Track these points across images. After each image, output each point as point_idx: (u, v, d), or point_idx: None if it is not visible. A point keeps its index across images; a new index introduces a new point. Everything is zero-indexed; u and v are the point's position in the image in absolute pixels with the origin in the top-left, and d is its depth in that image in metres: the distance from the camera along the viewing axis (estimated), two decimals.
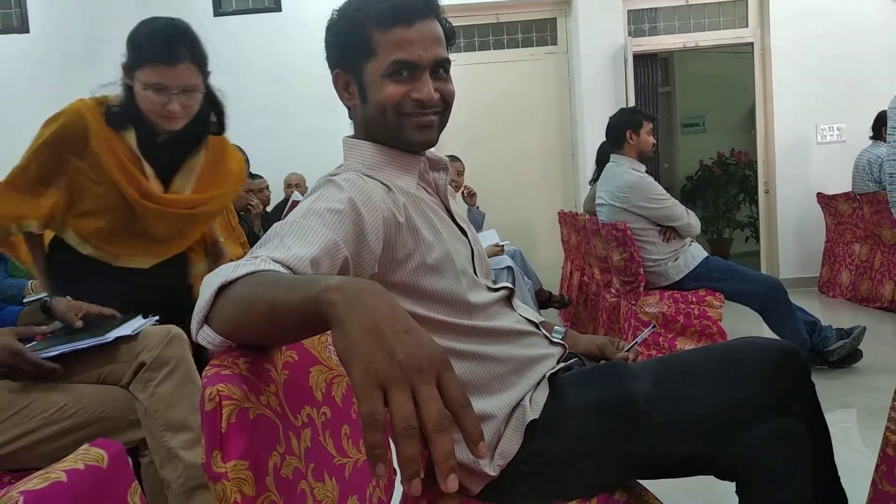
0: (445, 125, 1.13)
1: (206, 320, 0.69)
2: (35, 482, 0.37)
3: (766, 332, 3.16)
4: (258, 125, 5.26)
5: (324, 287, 0.58)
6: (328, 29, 1.10)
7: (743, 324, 3.53)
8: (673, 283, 3.07)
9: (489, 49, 5.62)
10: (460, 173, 4.06)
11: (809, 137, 5.27)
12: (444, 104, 1.09)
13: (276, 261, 0.77)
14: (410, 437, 0.51)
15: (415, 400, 0.53)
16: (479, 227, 4.20)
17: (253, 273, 0.71)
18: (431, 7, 1.06)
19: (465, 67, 5.54)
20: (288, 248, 0.81)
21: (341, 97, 1.13)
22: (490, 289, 1.16)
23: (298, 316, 0.60)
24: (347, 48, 1.07)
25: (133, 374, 1.40)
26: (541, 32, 5.63)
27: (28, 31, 5.32)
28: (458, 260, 1.08)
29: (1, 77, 5.26)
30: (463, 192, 4.12)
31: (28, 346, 1.41)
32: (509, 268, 3.42)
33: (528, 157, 5.63)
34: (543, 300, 4.13)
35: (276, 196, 4.67)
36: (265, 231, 3.27)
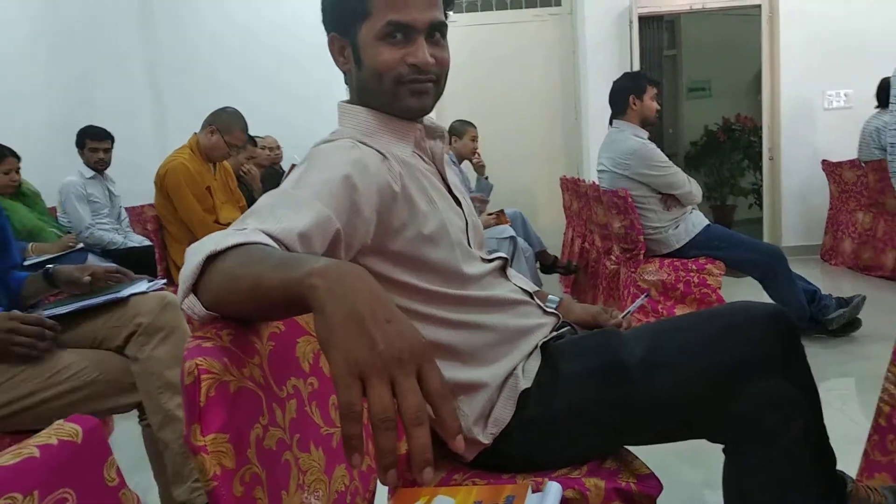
0: (441, 93, 1.10)
1: (194, 290, 0.68)
2: (7, 458, 0.37)
3: (766, 301, 3.16)
4: (268, 80, 5.20)
5: (307, 271, 0.57)
6: None
7: (742, 292, 3.53)
8: (673, 251, 3.06)
9: (491, 9, 5.51)
10: (475, 138, 3.99)
11: (816, 103, 5.19)
12: (441, 70, 1.06)
13: (265, 232, 0.76)
14: (387, 428, 0.51)
15: (394, 391, 0.52)
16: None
17: (242, 245, 0.69)
18: None
19: (467, 28, 5.45)
20: (278, 219, 0.80)
21: (336, 61, 1.10)
22: (484, 259, 1.15)
23: (281, 297, 0.59)
24: (342, 10, 1.04)
25: (126, 339, 1.40)
26: None
27: None
28: (453, 231, 1.07)
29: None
30: (472, 162, 4.06)
31: (41, 308, 1.42)
32: (512, 237, 3.40)
33: (531, 121, 5.57)
34: (548, 264, 4.10)
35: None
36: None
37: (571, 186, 4.46)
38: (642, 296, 1.38)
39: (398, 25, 1.00)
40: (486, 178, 4.14)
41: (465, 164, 4.07)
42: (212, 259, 0.68)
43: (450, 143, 3.85)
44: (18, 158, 3.41)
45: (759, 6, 5.25)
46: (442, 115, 5.23)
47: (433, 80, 1.05)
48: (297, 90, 5.07)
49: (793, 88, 5.18)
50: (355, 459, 0.51)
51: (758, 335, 1.07)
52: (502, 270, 1.20)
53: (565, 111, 5.59)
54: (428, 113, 1.10)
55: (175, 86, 5.32)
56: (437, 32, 1.04)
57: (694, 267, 2.99)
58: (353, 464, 0.51)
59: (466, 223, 1.15)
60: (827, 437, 1.21)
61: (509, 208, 3.93)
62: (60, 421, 0.44)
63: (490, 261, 1.17)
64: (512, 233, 3.41)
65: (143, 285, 1.49)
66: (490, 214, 3.63)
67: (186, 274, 0.68)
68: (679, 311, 3.00)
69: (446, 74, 1.09)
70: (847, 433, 1.55)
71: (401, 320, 0.56)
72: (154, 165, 3.26)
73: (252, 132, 3.87)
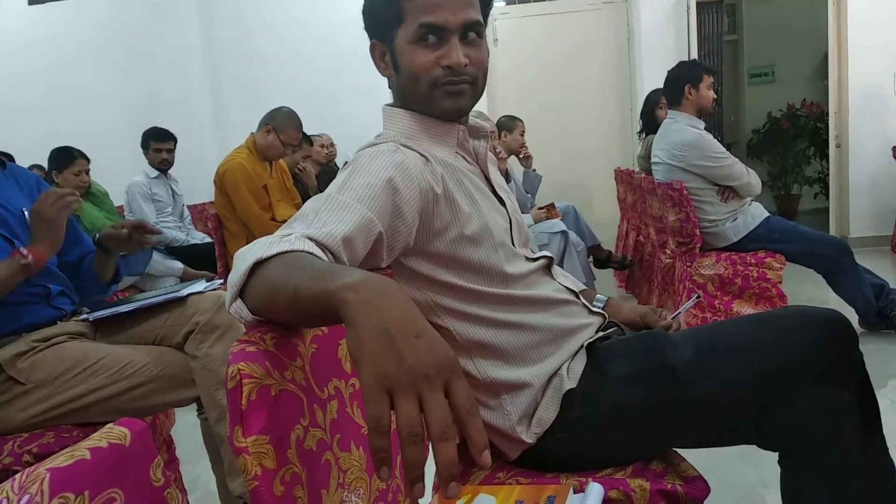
0: (481, 93, 1.10)
1: (241, 294, 0.71)
2: (60, 460, 0.40)
3: (831, 296, 3.04)
4: (316, 83, 5.31)
5: (340, 284, 0.58)
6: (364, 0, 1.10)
7: (806, 287, 3.40)
8: (731, 245, 2.97)
9: (545, 0, 5.44)
10: (523, 133, 3.98)
11: (886, 88, 4.94)
12: (477, 70, 1.06)
13: (310, 238, 0.78)
14: (414, 443, 0.52)
15: (422, 406, 0.53)
16: (534, 191, 4.13)
17: (286, 252, 0.72)
18: None
19: (520, 20, 5.41)
20: (323, 223, 0.82)
21: (378, 67, 1.12)
22: (529, 258, 1.15)
23: (317, 308, 0.61)
24: (380, 17, 1.06)
25: (185, 336, 1.47)
26: None
27: None
28: (496, 231, 1.08)
29: (65, 44, 5.43)
30: (519, 157, 4.05)
31: (109, 306, 1.51)
32: (563, 232, 3.37)
33: (585, 112, 5.49)
34: (602, 259, 4.05)
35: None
36: (320, 192, 3.34)
37: (626, 178, 4.38)
38: (693, 297, 1.35)
39: (431, 27, 1.01)
40: (534, 170, 4.11)
41: (513, 158, 4.05)
42: (258, 265, 0.70)
43: (500, 138, 3.83)
44: (88, 160, 3.59)
45: None
46: (495, 107, 5.21)
47: (468, 81, 1.05)
48: (354, 87, 5.14)
49: (861, 72, 4.94)
50: (383, 473, 0.53)
51: (812, 341, 1.05)
52: (547, 269, 1.19)
53: (621, 102, 5.49)
54: (465, 114, 1.10)
55: (234, 86, 5.48)
56: (471, 32, 1.04)
57: (753, 261, 2.90)
58: (381, 477, 0.52)
59: (510, 222, 1.15)
60: (886, 450, 1.16)
61: (561, 202, 3.89)
62: (110, 424, 0.47)
63: (535, 259, 1.16)
64: (563, 227, 3.37)
65: (200, 285, 1.55)
66: (541, 208, 3.60)
67: (234, 280, 0.71)
68: (737, 306, 2.92)
69: (485, 74, 1.08)
70: None
71: (430, 335, 0.56)
72: (214, 164, 3.38)
73: (308, 130, 3.96)
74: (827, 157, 5.41)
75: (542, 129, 5.23)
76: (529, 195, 3.98)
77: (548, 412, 1.07)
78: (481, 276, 1.05)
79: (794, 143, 6.90)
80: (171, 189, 4.14)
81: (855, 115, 5.00)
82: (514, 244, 1.13)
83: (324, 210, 0.86)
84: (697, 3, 5.03)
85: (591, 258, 3.96)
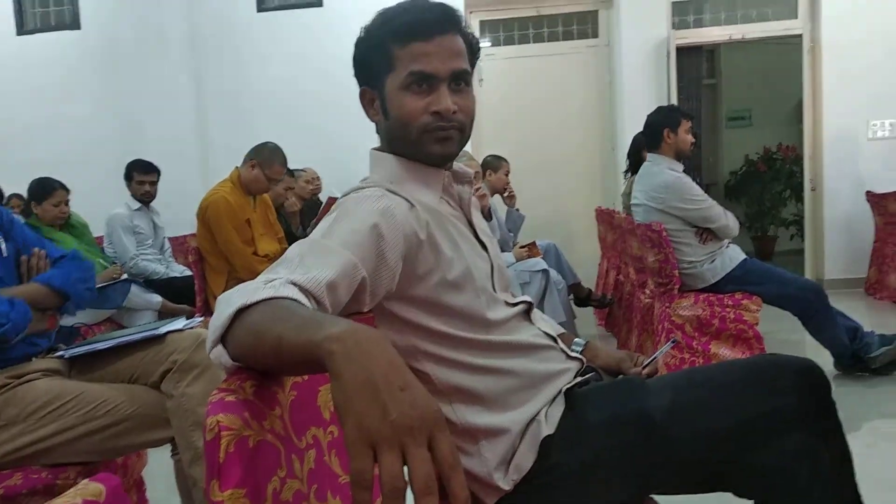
0: (467, 140, 1.13)
1: (223, 340, 0.71)
2: None
3: (807, 338, 3.08)
4: (305, 118, 5.36)
5: (326, 335, 0.59)
6: (355, 47, 1.13)
7: (782, 329, 3.45)
8: (709, 286, 3.01)
9: (529, 42, 5.57)
10: (508, 173, 4.05)
11: (859, 133, 5.09)
12: (465, 117, 1.09)
13: (294, 283, 0.79)
14: (396, 497, 0.52)
15: (405, 459, 0.53)
16: (517, 230, 4.17)
17: (270, 300, 0.72)
18: (452, 22, 1.07)
19: (504, 61, 5.52)
20: (307, 269, 0.83)
21: (367, 113, 1.15)
22: (509, 303, 1.16)
23: (302, 357, 0.61)
24: (370, 64, 1.09)
25: (162, 375, 1.45)
26: (582, 25, 5.56)
27: (79, 28, 5.50)
28: (478, 276, 1.09)
29: (53, 73, 5.45)
30: (503, 196, 4.11)
31: (86, 343, 1.49)
32: (544, 270, 3.39)
33: (568, 151, 5.58)
34: (583, 297, 4.08)
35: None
36: (303, 227, 3.37)
37: (606, 218, 4.44)
38: (669, 342, 1.38)
39: (421, 75, 1.04)
40: (517, 209, 4.16)
41: (497, 197, 4.11)
42: (241, 311, 0.71)
43: (485, 177, 3.88)
44: (68, 191, 3.57)
45: (800, 36, 5.21)
46: (480, 145, 5.28)
47: (457, 128, 1.08)
48: (345, 121, 5.18)
49: (835, 118, 5.09)
50: None
51: (787, 389, 1.06)
52: (527, 314, 1.21)
53: (602, 142, 5.60)
54: (453, 159, 1.13)
55: (220, 119, 5.50)
56: (460, 81, 1.07)
57: (730, 302, 2.94)
58: None
59: (492, 267, 1.16)
60: (858, 494, 1.18)
61: (543, 240, 3.93)
62: (85, 481, 0.46)
63: (515, 304, 1.18)
64: (544, 266, 3.40)
65: (179, 322, 1.54)
66: (522, 247, 3.63)
67: (216, 325, 0.71)
68: (714, 347, 2.95)
69: (472, 121, 1.11)
70: (889, 477, 1.50)
71: (415, 388, 0.57)
72: (198, 195, 3.38)
73: (296, 164, 3.98)
74: (802, 199, 5.54)
75: (525, 167, 5.30)
76: (512, 234, 4.02)
77: (525, 459, 1.07)
78: (463, 321, 1.06)
79: (771, 186, 7.06)
80: (153, 221, 4.12)
81: (829, 159, 5.13)
82: (495, 289, 1.14)
83: (308, 255, 0.86)
84: (678, 48, 5.17)
85: (571, 296, 3.99)
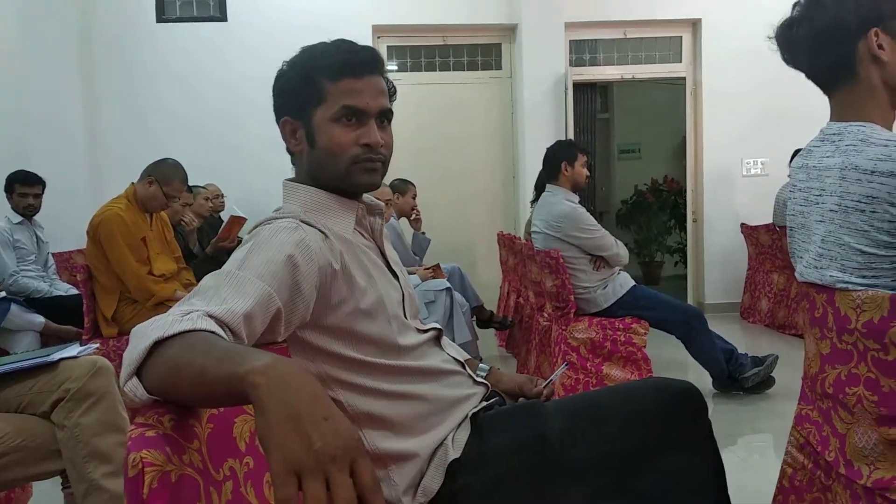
0: (386, 172, 1.20)
1: (138, 372, 0.71)
2: None
3: (688, 359, 3.32)
4: (207, 133, 5.21)
5: (250, 368, 0.61)
6: (278, 79, 1.17)
7: (667, 351, 3.70)
8: (601, 310, 3.19)
9: (435, 70, 5.71)
10: (414, 196, 4.13)
11: (735, 170, 5.56)
12: (388, 152, 1.17)
13: (210, 315, 0.80)
14: None
15: (328, 486, 0.56)
16: (422, 253, 4.24)
17: (189, 332, 0.73)
18: (378, 65, 1.15)
19: (411, 87, 5.61)
20: (223, 300, 0.84)
21: (288, 143, 1.18)
22: (419, 330, 1.21)
23: (224, 391, 0.63)
24: (297, 96, 1.13)
25: (53, 405, 1.38)
26: (486, 57, 5.76)
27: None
28: (390, 304, 1.13)
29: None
30: (410, 219, 4.18)
31: None
32: (448, 289, 3.48)
33: (471, 177, 5.73)
34: (485, 319, 4.19)
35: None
36: (201, 246, 3.27)
37: (507, 243, 4.59)
38: (562, 365, 1.47)
39: (353, 110, 1.10)
40: (423, 233, 4.23)
41: (403, 220, 4.17)
42: (158, 344, 0.71)
43: (393, 199, 3.94)
44: None
45: (683, 78, 5.64)
46: (388, 170, 5.32)
47: (382, 161, 1.15)
48: (247, 135, 5.10)
49: (714, 155, 5.54)
50: None
51: (668, 411, 1.17)
52: (437, 340, 1.26)
53: (504, 169, 5.79)
54: (377, 188, 1.20)
55: (115, 131, 5.25)
56: (384, 119, 1.16)
57: (620, 326, 3.13)
58: None
59: (403, 295, 1.21)
60: None
61: (448, 263, 4.02)
62: None
63: (425, 331, 1.22)
64: (448, 285, 3.49)
65: (73, 349, 1.47)
66: (427, 269, 3.71)
67: (132, 357, 0.71)
68: (606, 368, 3.12)
69: (391, 156, 1.19)
70: (761, 488, 1.65)
71: (337, 418, 0.60)
72: (87, 211, 3.21)
73: (193, 181, 3.86)
74: (685, 229, 5.96)
75: (431, 193, 5.40)
76: (418, 257, 4.08)
77: (433, 482, 1.11)
78: (375, 348, 1.10)
79: (657, 215, 7.54)
80: (36, 236, 3.86)
81: (708, 193, 5.57)
82: (406, 316, 1.19)
83: (224, 286, 0.88)
84: (574, 84, 5.46)
85: (474, 318, 4.09)
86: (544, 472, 1.13)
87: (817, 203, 1.39)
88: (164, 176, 3.09)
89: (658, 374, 3.40)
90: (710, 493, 1.20)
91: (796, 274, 1.49)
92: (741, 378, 3.20)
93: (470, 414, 1.18)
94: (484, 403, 1.22)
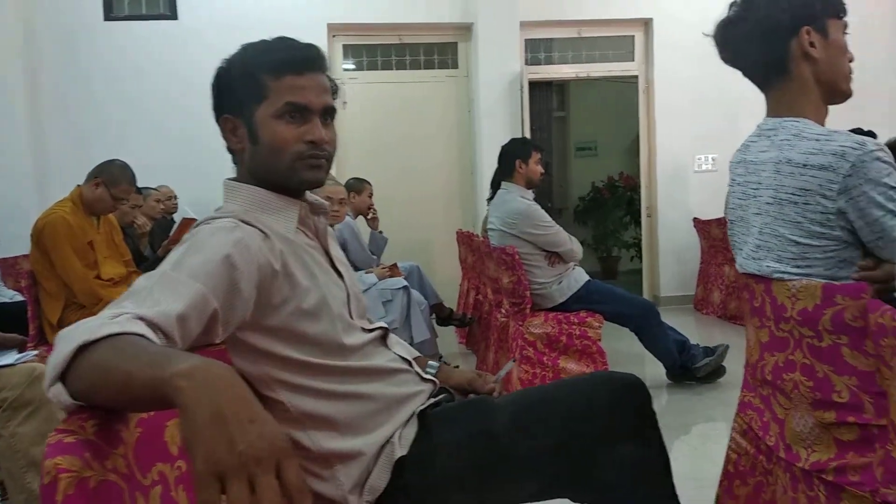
0: (329, 169, 1.19)
1: (62, 378, 0.69)
2: None
3: (643, 352, 3.38)
4: (158, 133, 5.09)
5: (174, 371, 0.60)
6: (217, 76, 1.15)
7: (622, 343, 3.76)
8: (557, 305, 3.23)
9: (392, 69, 5.69)
10: (371, 195, 4.11)
11: (687, 166, 5.68)
12: (332, 149, 1.16)
13: (141, 318, 0.78)
14: None
15: (253, 488, 0.56)
16: (380, 252, 4.22)
17: (116, 336, 0.72)
18: (320, 62, 1.14)
19: (367, 85, 5.59)
20: (156, 302, 0.82)
21: (228, 141, 1.16)
22: (365, 329, 1.20)
23: (150, 394, 0.62)
24: (238, 93, 1.11)
25: None
26: (442, 55, 5.76)
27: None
28: (334, 304, 1.12)
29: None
30: (367, 217, 4.16)
31: None
32: (405, 287, 3.47)
33: (429, 175, 5.74)
34: (444, 317, 4.20)
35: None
36: (152, 248, 3.19)
37: (466, 240, 4.61)
38: (510, 361, 1.48)
39: (296, 106, 1.09)
40: (381, 232, 4.22)
41: (361, 219, 4.15)
42: (84, 348, 0.69)
43: (348, 198, 3.91)
44: None
45: (636, 76, 5.74)
46: (343, 168, 5.30)
47: (326, 157, 1.14)
48: (192, 139, 4.99)
49: (667, 152, 5.65)
50: None
51: (613, 403, 1.18)
52: (383, 339, 1.25)
53: (462, 168, 5.81)
54: (322, 185, 1.18)
55: (60, 132, 5.09)
56: (328, 116, 1.14)
57: (576, 320, 3.17)
58: None
59: (348, 295, 1.20)
60: (676, 495, 1.33)
61: (406, 262, 4.01)
62: None
63: (371, 330, 1.22)
64: (405, 283, 3.48)
65: (10, 356, 1.42)
66: (384, 267, 3.70)
67: (56, 362, 0.69)
68: (563, 362, 3.15)
69: (334, 153, 1.18)
70: (711, 475, 1.69)
71: (263, 420, 0.60)
72: (32, 213, 3.11)
73: (144, 182, 3.77)
74: (640, 224, 6.07)
75: (389, 191, 5.39)
76: (375, 256, 4.06)
77: (379, 480, 1.11)
78: (319, 348, 1.09)
79: (614, 211, 7.66)
80: None
81: (662, 188, 5.68)
82: (351, 316, 1.18)
83: (157, 288, 0.86)
84: (530, 82, 5.51)
85: (433, 315, 4.10)
86: (492, 466, 1.14)
87: (754, 196, 1.43)
88: (111, 177, 3.01)
89: (613, 366, 3.45)
90: (656, 481, 1.23)
91: (736, 265, 1.53)
92: (693, 368, 3.27)
93: (417, 411, 1.18)
94: (431, 400, 1.22)
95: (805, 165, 1.28)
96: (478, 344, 4.22)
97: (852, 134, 1.26)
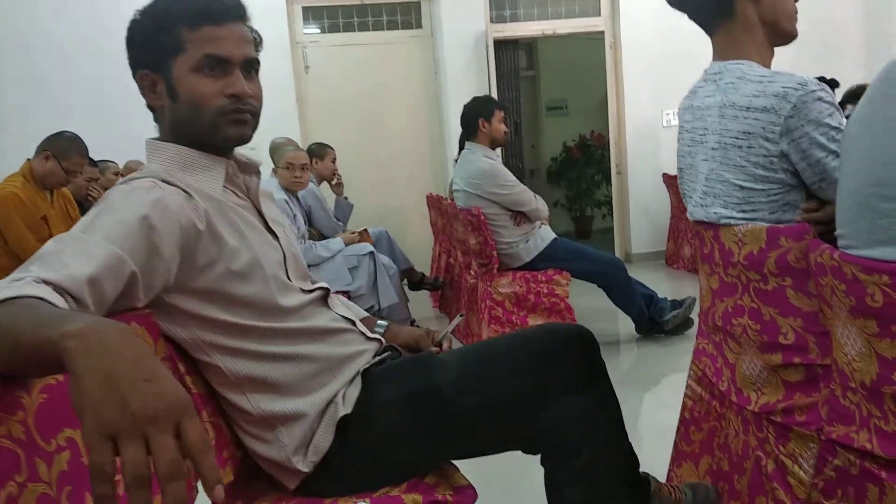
0: (257, 126, 1.13)
1: None
2: None
3: (611, 306, 3.40)
4: (103, 105, 4.93)
5: (63, 332, 0.57)
6: (130, 28, 1.08)
7: (590, 300, 3.78)
8: (524, 264, 3.23)
9: (354, 31, 5.56)
10: (334, 160, 4.04)
11: (656, 122, 5.67)
12: (258, 103, 1.11)
13: (46, 282, 0.75)
14: (139, 487, 0.52)
15: (150, 449, 0.54)
16: (346, 219, 4.17)
17: (12, 299, 0.68)
18: (240, 11, 1.09)
19: (330, 48, 5.46)
20: (64, 265, 0.79)
21: (147, 98, 1.10)
22: (304, 290, 1.18)
23: (39, 357, 0.59)
24: (154, 46, 1.05)
25: None
26: (406, 16, 5.64)
27: None
28: (268, 264, 1.09)
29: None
30: (331, 183, 4.10)
31: None
32: (371, 253, 3.45)
33: (398, 139, 5.66)
34: (416, 281, 4.19)
35: None
36: None
37: (436, 204, 4.57)
38: (458, 317, 1.47)
39: (215, 59, 1.04)
40: (346, 198, 4.17)
41: (325, 185, 4.09)
42: None
43: (311, 165, 3.84)
44: None
45: (602, 32, 5.67)
46: (307, 133, 5.20)
47: (251, 112, 1.09)
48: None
49: (635, 108, 5.62)
50: None
51: (559, 356, 1.18)
52: (324, 300, 1.23)
53: (430, 130, 5.74)
54: (247, 142, 1.12)
55: (10, 105, 4.92)
56: (251, 69, 1.09)
57: (543, 278, 3.18)
58: None
59: (284, 255, 1.17)
60: (629, 444, 1.34)
61: (375, 227, 3.98)
62: None
63: (311, 291, 1.19)
64: (371, 249, 3.46)
65: None
66: (353, 233, 3.66)
67: None
68: (532, 320, 3.17)
69: (261, 108, 1.12)
70: (675, 424, 1.71)
71: (161, 379, 0.57)
72: None
73: (99, 155, 3.68)
74: (611, 182, 6.06)
75: (356, 157, 5.31)
76: (341, 223, 4.02)
77: (323, 440, 1.10)
78: (252, 310, 1.06)
79: (585, 170, 7.65)
80: None
81: (631, 145, 5.67)
82: (289, 277, 1.15)
83: (67, 251, 0.82)
84: (497, 41, 5.41)
85: (405, 281, 4.08)
86: (437, 422, 1.13)
87: (702, 143, 1.42)
88: (61, 150, 2.93)
89: (582, 322, 3.47)
90: (608, 430, 1.23)
91: (688, 214, 1.53)
92: (661, 321, 3.31)
93: (361, 370, 1.16)
94: (377, 359, 1.20)
95: (748, 108, 1.26)
96: (450, 307, 4.23)
97: (795, 75, 1.24)
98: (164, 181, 1.00)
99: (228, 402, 1.08)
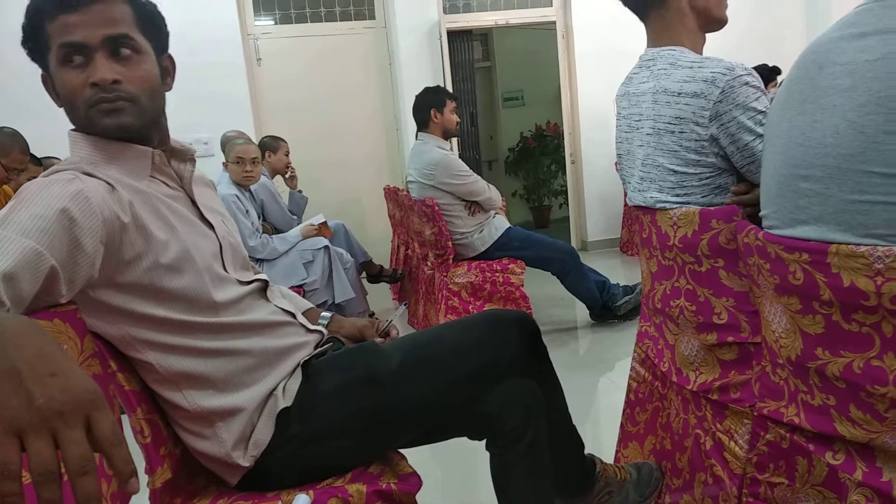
0: (151, 112, 1.06)
1: None
2: None
3: (568, 294, 3.45)
4: (47, 101, 4.76)
5: None
6: (22, 30, 1.02)
7: (545, 287, 3.82)
8: (480, 254, 3.25)
9: (307, 22, 5.49)
10: (287, 153, 3.98)
11: (609, 111, 5.72)
12: (137, 87, 1.02)
13: None
14: (47, 482, 0.52)
15: (59, 444, 0.53)
16: (300, 212, 4.13)
17: None
18: None
19: (282, 40, 5.38)
20: None
21: (54, 100, 1.06)
22: (242, 282, 1.16)
23: None
24: (34, 46, 1.02)
25: None
26: (359, 7, 5.58)
27: None
28: (201, 257, 1.07)
29: None
30: (285, 176, 4.04)
31: None
32: (325, 247, 3.42)
33: (353, 132, 5.61)
34: (374, 274, 4.18)
35: None
36: None
37: (393, 196, 4.56)
38: (401, 306, 1.48)
39: (72, 46, 0.98)
40: (300, 191, 4.13)
41: (279, 178, 4.04)
42: None
43: (264, 158, 3.79)
44: None
45: (554, 22, 5.71)
46: (261, 126, 5.12)
47: (125, 98, 1.01)
48: None
49: (588, 97, 5.68)
50: None
51: (501, 342, 1.19)
52: (262, 292, 1.21)
53: (386, 122, 5.71)
54: (134, 132, 1.04)
55: None
56: (122, 48, 1.01)
57: (498, 267, 3.20)
58: None
59: (220, 246, 1.15)
60: (572, 425, 1.36)
61: (333, 220, 3.94)
62: None
63: (249, 283, 1.18)
64: (326, 243, 3.43)
65: None
66: (313, 226, 3.63)
67: None
68: (488, 308, 3.18)
69: (151, 91, 1.05)
70: None
71: (68, 373, 0.56)
72: None
73: (43, 152, 3.56)
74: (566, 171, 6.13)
75: (311, 149, 5.25)
76: (296, 217, 3.98)
77: (263, 433, 1.09)
78: (185, 305, 1.04)
79: (542, 161, 7.71)
80: None
81: (585, 135, 5.73)
82: (225, 269, 1.13)
83: None
84: (452, 32, 5.40)
85: (363, 273, 4.07)
86: (378, 412, 1.13)
87: (637, 129, 1.44)
88: (1, 147, 2.83)
89: (538, 309, 3.52)
90: (551, 414, 1.25)
91: (627, 199, 1.55)
92: (614, 307, 3.36)
93: (301, 362, 1.16)
94: (317, 350, 1.20)
95: (679, 94, 1.29)
96: (409, 298, 4.23)
97: (724, 60, 1.27)
98: (85, 173, 0.97)
99: (164, 398, 1.06)
